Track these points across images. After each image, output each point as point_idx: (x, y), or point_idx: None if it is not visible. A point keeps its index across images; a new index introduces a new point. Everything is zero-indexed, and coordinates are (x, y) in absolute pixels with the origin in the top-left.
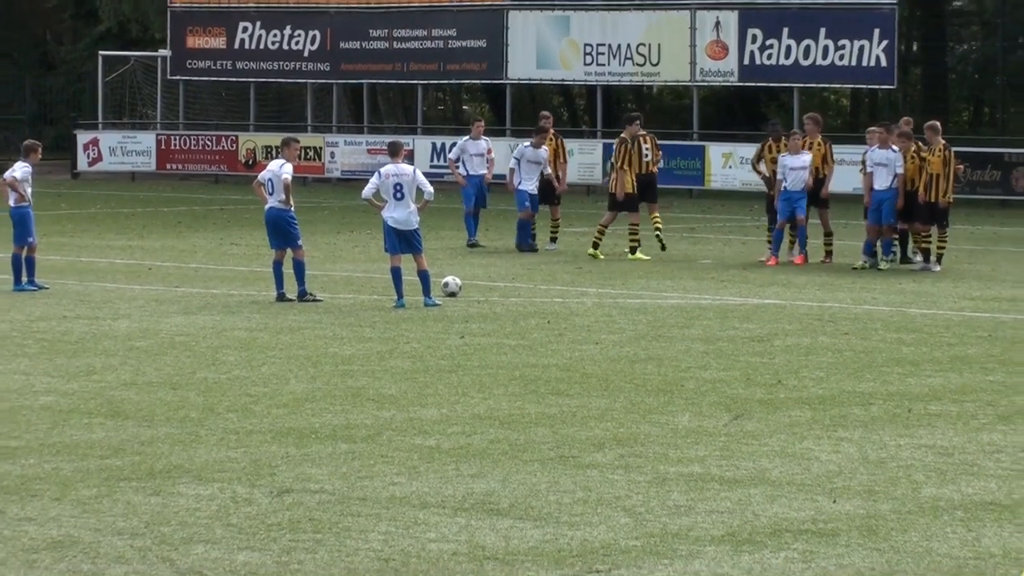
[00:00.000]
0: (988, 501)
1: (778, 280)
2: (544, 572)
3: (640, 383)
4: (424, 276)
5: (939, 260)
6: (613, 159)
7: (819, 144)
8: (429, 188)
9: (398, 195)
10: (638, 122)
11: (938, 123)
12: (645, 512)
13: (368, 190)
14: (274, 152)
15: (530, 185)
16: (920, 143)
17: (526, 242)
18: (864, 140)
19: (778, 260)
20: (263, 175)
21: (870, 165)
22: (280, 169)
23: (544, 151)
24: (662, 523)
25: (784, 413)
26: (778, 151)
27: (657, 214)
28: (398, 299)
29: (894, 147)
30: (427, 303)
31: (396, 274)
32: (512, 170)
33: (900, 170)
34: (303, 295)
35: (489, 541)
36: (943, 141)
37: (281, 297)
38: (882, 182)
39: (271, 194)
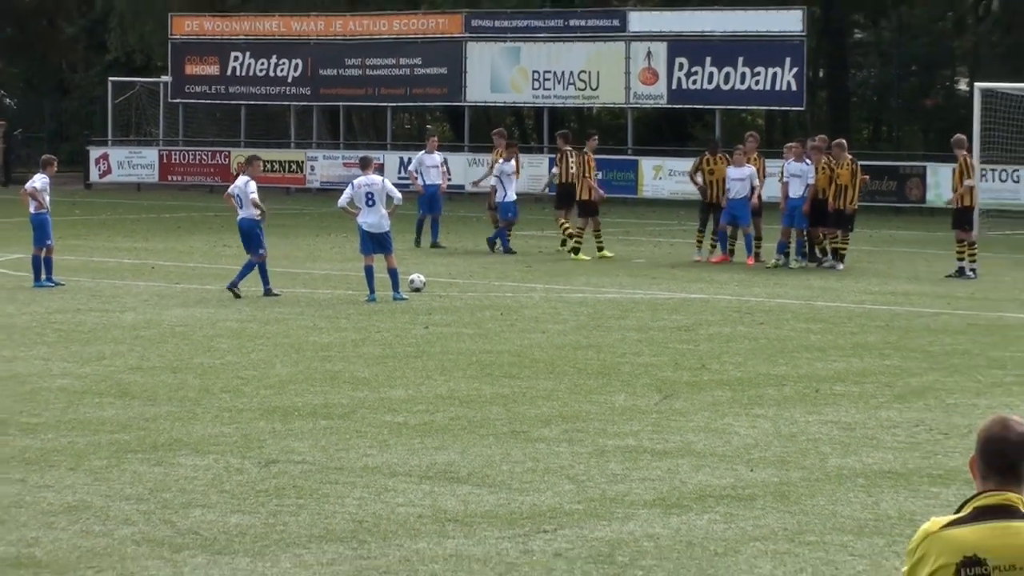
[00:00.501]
0: (886, 470)
1: (702, 277)
2: (498, 532)
3: (582, 367)
4: (393, 273)
5: (842, 259)
6: (578, 170)
7: (755, 159)
8: (398, 195)
9: (370, 202)
10: (595, 138)
11: (844, 141)
12: (586, 480)
13: (343, 199)
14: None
15: (513, 195)
16: (829, 156)
17: (507, 246)
18: (778, 155)
19: (726, 257)
20: (232, 189)
21: (786, 176)
22: (246, 187)
23: (512, 163)
24: (601, 489)
25: (708, 393)
26: (714, 164)
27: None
28: (370, 293)
29: (808, 160)
30: (395, 297)
31: (369, 272)
32: (494, 187)
33: (811, 180)
34: (233, 285)
35: (450, 505)
36: (850, 156)
37: (268, 292)
38: (796, 191)
39: (241, 207)
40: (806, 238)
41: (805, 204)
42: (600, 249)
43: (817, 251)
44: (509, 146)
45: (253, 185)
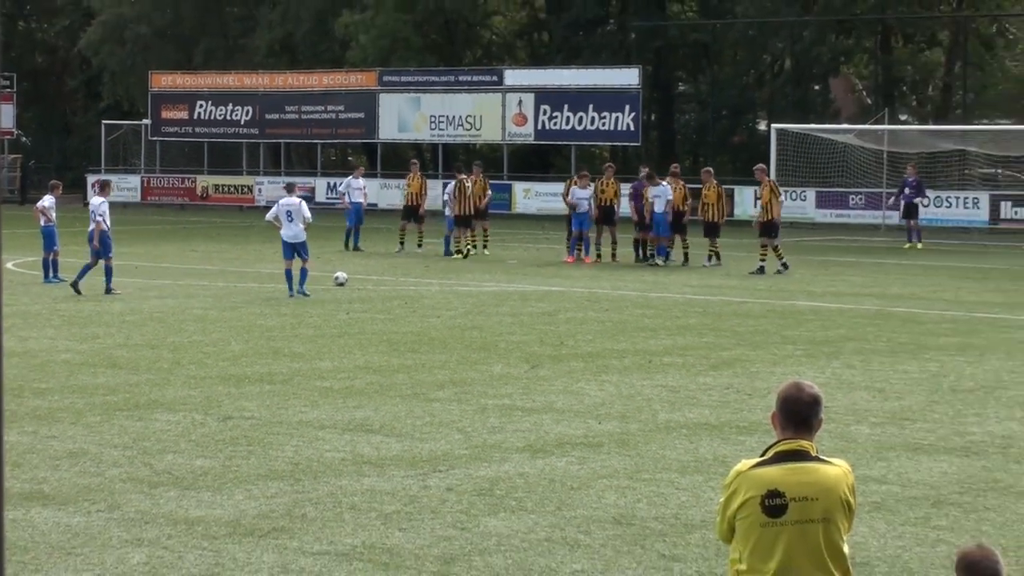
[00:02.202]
0: (703, 423)
1: (560, 274)
2: (403, 472)
3: (468, 343)
4: (304, 272)
5: (718, 257)
6: (487, 190)
7: (612, 183)
8: (309, 215)
9: (289, 218)
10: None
11: (711, 169)
12: (471, 431)
13: (270, 215)
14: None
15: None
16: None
17: (449, 251)
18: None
19: (574, 260)
20: (90, 206)
21: (651, 195)
22: (100, 207)
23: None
24: (483, 438)
25: (565, 364)
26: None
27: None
28: (289, 290)
29: (664, 182)
30: (301, 292)
31: (288, 274)
32: (445, 203)
33: (670, 196)
34: (73, 282)
35: (366, 451)
36: (715, 181)
37: (75, 288)
38: (659, 207)
39: (93, 220)
40: (665, 242)
41: (667, 216)
42: (475, 248)
43: (648, 253)
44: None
45: (105, 205)
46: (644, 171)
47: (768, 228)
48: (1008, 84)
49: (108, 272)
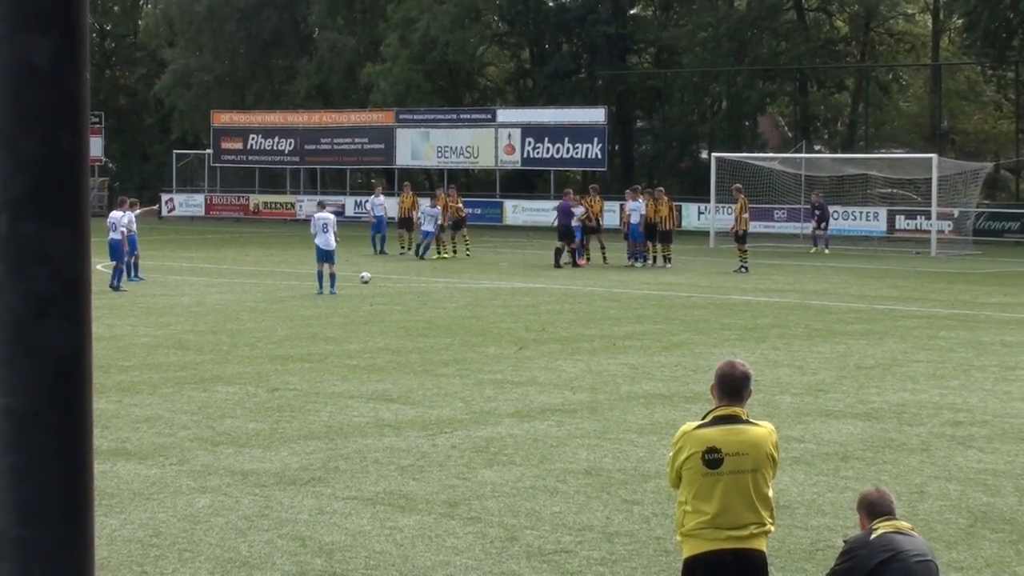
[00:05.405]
0: (657, 393)
1: (543, 274)
2: (416, 433)
3: (468, 329)
4: (332, 276)
5: (669, 260)
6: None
7: (598, 200)
8: (334, 228)
9: (324, 230)
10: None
11: (663, 188)
12: (471, 400)
13: (312, 229)
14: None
15: (429, 227)
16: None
17: (423, 255)
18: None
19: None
20: (109, 219)
21: (629, 209)
22: (122, 220)
23: (437, 208)
24: (480, 406)
25: (547, 346)
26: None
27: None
28: (319, 288)
29: (640, 199)
30: (332, 292)
31: (320, 275)
32: (419, 218)
33: (643, 211)
34: (116, 287)
35: (386, 416)
36: (667, 198)
37: (117, 287)
38: (634, 219)
39: (113, 231)
40: (641, 248)
41: (640, 227)
42: (455, 252)
43: (650, 257)
44: (433, 196)
45: (127, 219)
46: (568, 191)
47: (742, 236)
48: (902, 120)
49: (118, 272)
